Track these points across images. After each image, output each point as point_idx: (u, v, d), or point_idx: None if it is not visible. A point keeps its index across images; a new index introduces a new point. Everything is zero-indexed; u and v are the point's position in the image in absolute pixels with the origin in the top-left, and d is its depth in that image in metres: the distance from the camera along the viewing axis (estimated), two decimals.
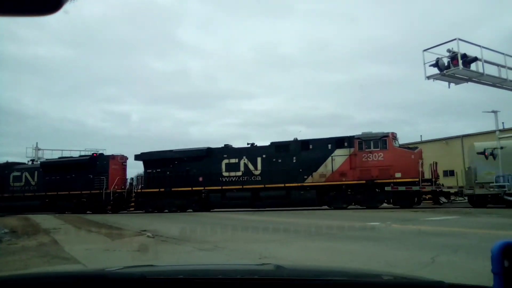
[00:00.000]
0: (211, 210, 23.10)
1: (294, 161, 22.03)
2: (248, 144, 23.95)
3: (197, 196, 23.58)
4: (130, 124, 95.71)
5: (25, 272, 3.03)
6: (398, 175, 19.78)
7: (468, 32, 71.91)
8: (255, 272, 1.72)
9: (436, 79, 15.52)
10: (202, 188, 23.41)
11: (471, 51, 15.32)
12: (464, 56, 14.88)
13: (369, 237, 8.84)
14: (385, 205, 20.57)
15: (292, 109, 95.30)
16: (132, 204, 25.39)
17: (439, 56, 15.18)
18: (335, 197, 20.96)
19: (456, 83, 15.94)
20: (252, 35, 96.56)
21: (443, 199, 20.20)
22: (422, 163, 20.02)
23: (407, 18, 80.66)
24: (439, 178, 21.00)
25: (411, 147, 21.78)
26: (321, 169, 21.44)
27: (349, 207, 20.81)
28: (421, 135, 42.70)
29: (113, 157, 26.97)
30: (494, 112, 18.19)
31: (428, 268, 4.83)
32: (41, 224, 14.68)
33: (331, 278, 1.56)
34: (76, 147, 38.97)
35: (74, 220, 17.13)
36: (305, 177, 21.60)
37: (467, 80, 15.90)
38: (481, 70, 15.43)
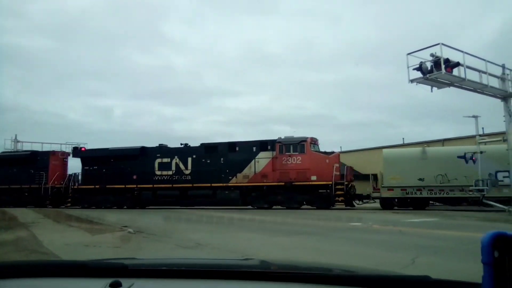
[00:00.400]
0: (146, 207, 23.80)
1: (222, 162, 22.74)
2: (181, 144, 24.54)
3: (131, 194, 24.21)
4: (113, 118, 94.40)
5: (3, 261, 2.95)
6: (313, 178, 20.78)
7: (451, 37, 73.37)
8: (239, 266, 1.72)
9: (419, 82, 15.73)
10: (135, 185, 24.08)
11: (454, 57, 15.60)
12: (447, 61, 15.13)
13: (350, 237, 8.91)
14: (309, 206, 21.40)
15: (277, 108, 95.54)
16: (69, 199, 25.92)
17: (423, 60, 15.38)
18: (257, 197, 21.78)
19: (439, 87, 16.18)
20: (237, 32, 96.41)
21: (357, 202, 21.61)
22: (338, 167, 21.07)
23: (392, 20, 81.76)
24: (353, 181, 22.04)
25: (328, 152, 22.52)
26: (245, 171, 22.21)
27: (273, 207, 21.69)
28: (403, 138, 43.28)
29: (53, 153, 27.94)
30: (475, 117, 18.55)
31: (408, 269, 4.90)
32: (19, 217, 14.39)
33: (316, 272, 1.56)
34: (57, 141, 38.21)
35: (53, 214, 16.83)
36: (230, 177, 22.38)
37: (449, 85, 16.17)
38: (463, 75, 15.72)
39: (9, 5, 77.86)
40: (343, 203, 20.60)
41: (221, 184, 22.24)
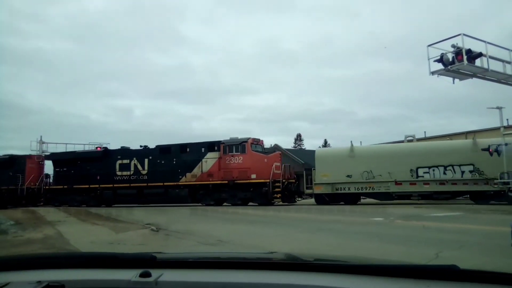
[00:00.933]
0: (113, 206, 25.30)
1: (174, 162, 24.25)
2: (140, 146, 26.38)
3: (94, 193, 25.96)
4: (133, 118, 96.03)
5: (36, 253, 3.03)
6: (253, 176, 22.20)
7: (472, 28, 71.65)
8: (265, 258, 1.74)
9: (441, 74, 15.46)
10: (98, 185, 25.79)
11: (476, 47, 15.25)
12: (468, 51, 14.80)
13: (372, 232, 8.84)
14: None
15: (295, 105, 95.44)
16: (42, 199, 27.79)
17: (444, 52, 15.10)
18: (204, 195, 23.24)
19: (461, 79, 15.87)
20: (254, 30, 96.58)
21: (298, 198, 23.35)
22: (278, 166, 22.53)
23: (411, 13, 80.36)
24: (294, 178, 23.54)
25: (268, 152, 24.04)
26: (194, 170, 23.70)
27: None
28: (425, 131, 42.49)
29: (29, 157, 30.05)
30: (499, 108, 18.10)
31: (431, 263, 4.83)
32: (46, 216, 14.80)
33: (340, 263, 1.56)
34: (80, 142, 39.16)
35: (78, 213, 17.24)
36: (180, 177, 23.88)
37: (471, 76, 15.84)
38: (486, 66, 15.35)
39: (31, 10, 79.83)
40: (280, 199, 21.84)
41: (172, 183, 23.67)
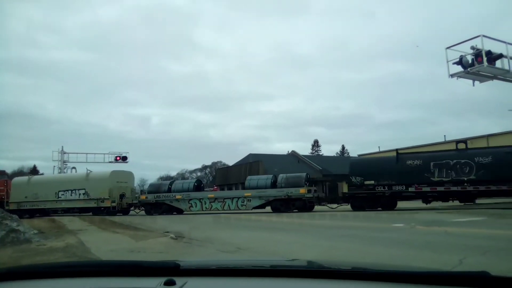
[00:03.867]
0: None
1: None
2: None
3: None
4: (150, 127, 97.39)
5: (61, 262, 3.05)
6: None
7: (491, 28, 70.42)
8: (286, 265, 1.73)
9: (460, 77, 15.24)
10: None
11: (496, 48, 14.98)
12: (488, 53, 14.56)
13: (393, 238, 8.70)
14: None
15: (311, 110, 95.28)
16: None
17: (463, 54, 14.88)
18: None
19: (481, 81, 15.60)
20: (268, 35, 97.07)
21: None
22: (3, 189, 30.65)
23: (428, 14, 79.51)
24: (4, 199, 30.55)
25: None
26: None
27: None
28: (444, 135, 41.94)
29: None
30: None
31: (456, 269, 4.72)
32: (68, 225, 15.03)
33: (367, 269, 1.52)
34: (99, 151, 39.87)
35: (99, 221, 17.47)
36: None
37: (492, 78, 15.55)
38: (507, 67, 15.07)
39: (48, 22, 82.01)
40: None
41: None
